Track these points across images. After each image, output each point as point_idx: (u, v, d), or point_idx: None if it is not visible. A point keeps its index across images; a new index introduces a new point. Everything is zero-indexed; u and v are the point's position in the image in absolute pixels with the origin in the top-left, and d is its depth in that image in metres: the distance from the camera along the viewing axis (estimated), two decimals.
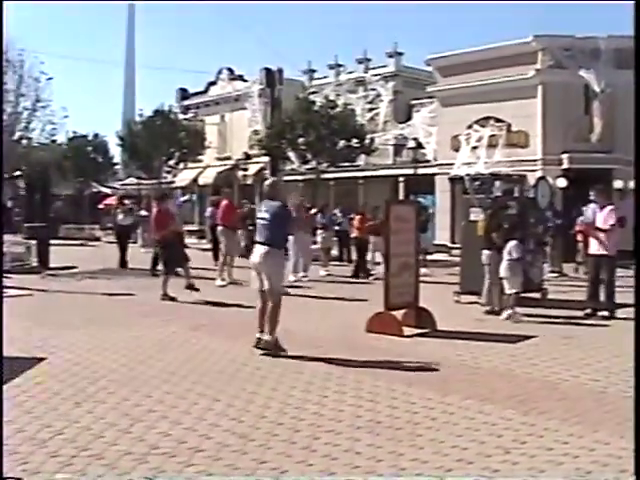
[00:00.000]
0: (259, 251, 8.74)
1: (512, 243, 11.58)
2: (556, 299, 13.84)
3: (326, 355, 8.45)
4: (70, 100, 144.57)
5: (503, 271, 11.60)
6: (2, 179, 15.20)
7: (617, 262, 12.06)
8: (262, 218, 8.83)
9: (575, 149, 26.03)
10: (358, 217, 20.14)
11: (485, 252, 12.26)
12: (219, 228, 17.03)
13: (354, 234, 20.19)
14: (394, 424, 5.84)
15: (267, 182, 9.46)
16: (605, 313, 11.68)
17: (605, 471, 4.83)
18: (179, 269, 14.31)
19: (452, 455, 5.11)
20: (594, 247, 12.09)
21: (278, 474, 4.76)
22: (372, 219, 18.82)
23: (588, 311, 11.88)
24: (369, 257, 19.24)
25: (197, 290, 13.76)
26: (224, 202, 17.37)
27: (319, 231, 20.71)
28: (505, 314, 11.34)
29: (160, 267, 14.26)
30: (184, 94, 46.10)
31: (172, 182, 42.61)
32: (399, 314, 10.37)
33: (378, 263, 16.55)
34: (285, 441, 5.40)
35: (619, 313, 11.53)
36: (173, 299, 13.42)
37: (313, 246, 19.98)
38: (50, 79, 23.35)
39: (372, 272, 18.33)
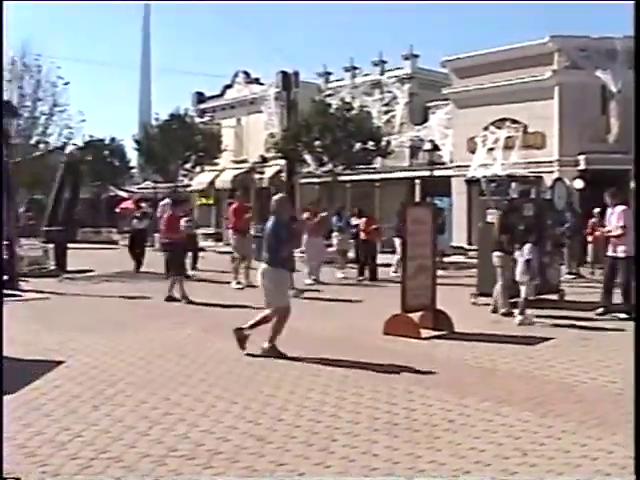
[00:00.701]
0: (259, 269, 8.94)
1: (526, 246, 11.51)
2: (573, 301, 13.77)
3: (342, 358, 8.44)
4: (86, 104, 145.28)
5: (519, 275, 11.55)
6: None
7: (633, 263, 11.99)
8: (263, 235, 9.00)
9: (592, 150, 25.85)
10: (364, 220, 19.79)
11: (496, 254, 12.21)
12: (230, 231, 17.01)
13: (361, 237, 19.94)
14: (411, 426, 5.84)
15: (274, 198, 9.13)
16: (623, 315, 11.62)
17: (624, 474, 4.80)
18: (192, 272, 14.26)
19: (469, 457, 5.11)
20: (610, 249, 12.08)
21: (296, 476, 4.78)
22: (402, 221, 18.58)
23: (599, 310, 11.86)
24: (395, 259, 18.97)
25: (179, 301, 13.62)
26: (233, 205, 17.36)
27: (335, 234, 20.62)
28: (517, 320, 11.26)
29: (172, 270, 14.25)
30: (200, 97, 46.16)
31: (189, 185, 42.71)
32: (416, 316, 10.36)
33: None
34: (303, 443, 5.41)
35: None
36: (191, 302, 13.48)
37: (329, 249, 19.94)
38: (67, 84, 23.54)
39: (396, 273, 18.17)
